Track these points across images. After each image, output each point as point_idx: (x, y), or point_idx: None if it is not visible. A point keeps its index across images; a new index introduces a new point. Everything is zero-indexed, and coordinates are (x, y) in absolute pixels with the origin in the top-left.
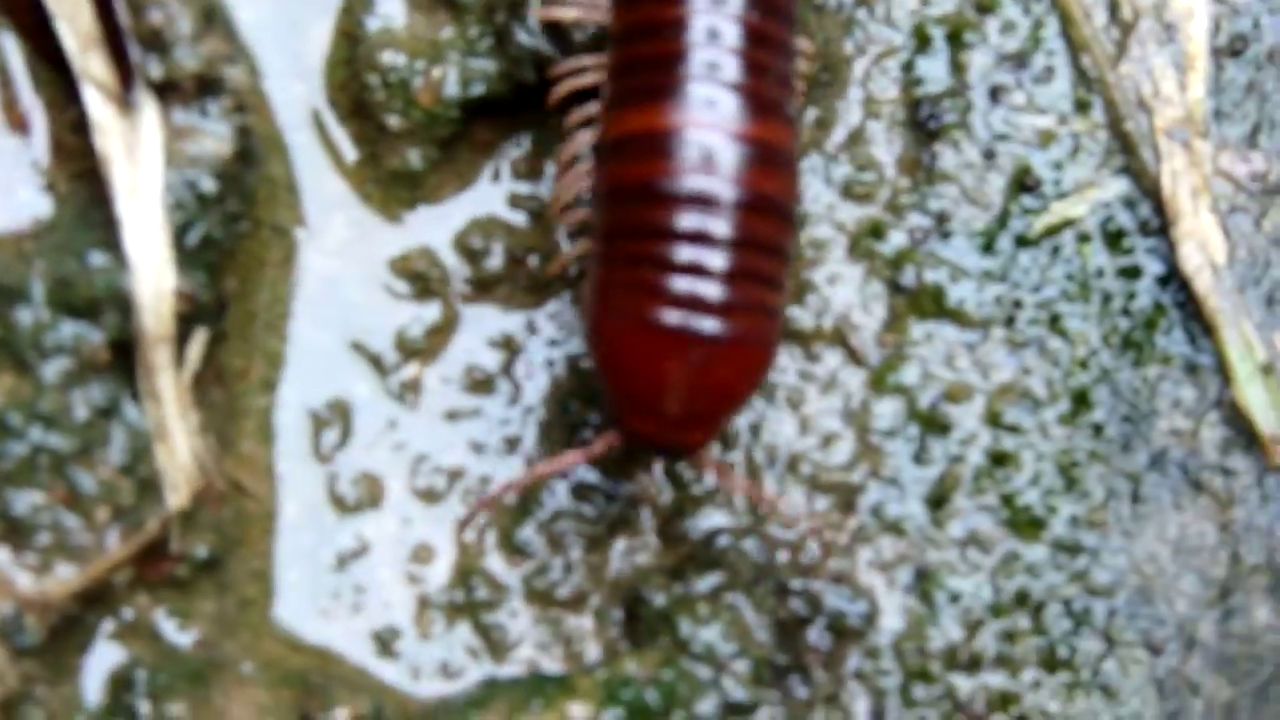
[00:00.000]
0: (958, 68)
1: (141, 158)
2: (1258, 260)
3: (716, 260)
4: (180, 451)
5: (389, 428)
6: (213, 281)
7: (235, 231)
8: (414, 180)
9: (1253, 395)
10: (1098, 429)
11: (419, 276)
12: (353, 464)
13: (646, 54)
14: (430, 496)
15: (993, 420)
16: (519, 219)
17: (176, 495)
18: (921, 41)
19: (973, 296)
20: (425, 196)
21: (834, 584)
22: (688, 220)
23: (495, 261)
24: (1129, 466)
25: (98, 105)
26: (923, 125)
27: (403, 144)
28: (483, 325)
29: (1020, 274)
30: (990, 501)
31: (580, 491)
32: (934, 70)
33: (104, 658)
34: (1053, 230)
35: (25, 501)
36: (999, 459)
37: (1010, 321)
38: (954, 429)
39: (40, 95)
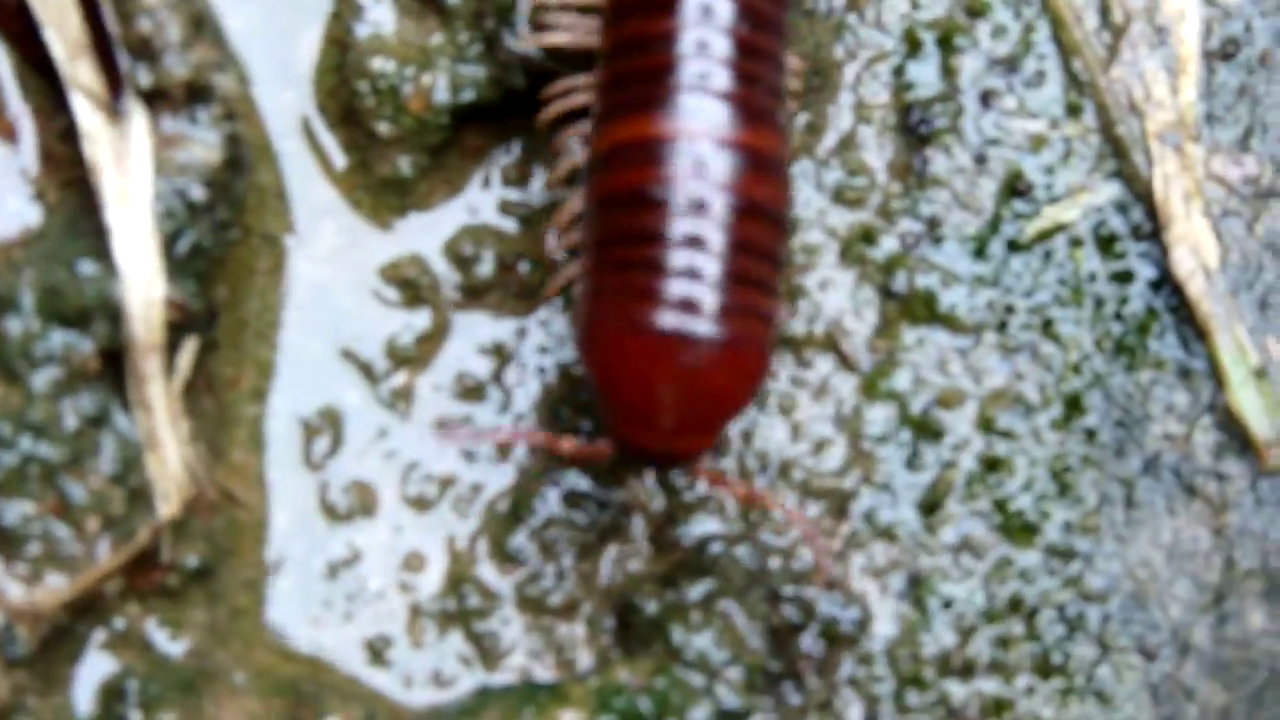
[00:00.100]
0: (948, 72)
1: (131, 166)
2: (1250, 264)
3: (708, 263)
4: (171, 460)
5: (380, 436)
6: (203, 290)
7: (225, 239)
8: (404, 187)
9: (1246, 400)
10: (1090, 434)
11: (409, 284)
12: (344, 472)
13: (637, 67)
14: (421, 504)
15: (985, 425)
16: (509, 225)
17: (167, 504)
18: (912, 46)
19: (964, 302)
20: (415, 203)
21: (826, 590)
22: (679, 224)
23: (486, 268)
24: (1122, 471)
25: (86, 113)
26: (914, 130)
27: (393, 151)
28: (473, 332)
29: (1012, 279)
30: (983, 507)
31: (572, 499)
32: (925, 75)
33: (95, 668)
34: (1045, 235)
35: (15, 511)
36: (991, 464)
37: (1002, 326)
38: (946, 434)
39: (29, 103)
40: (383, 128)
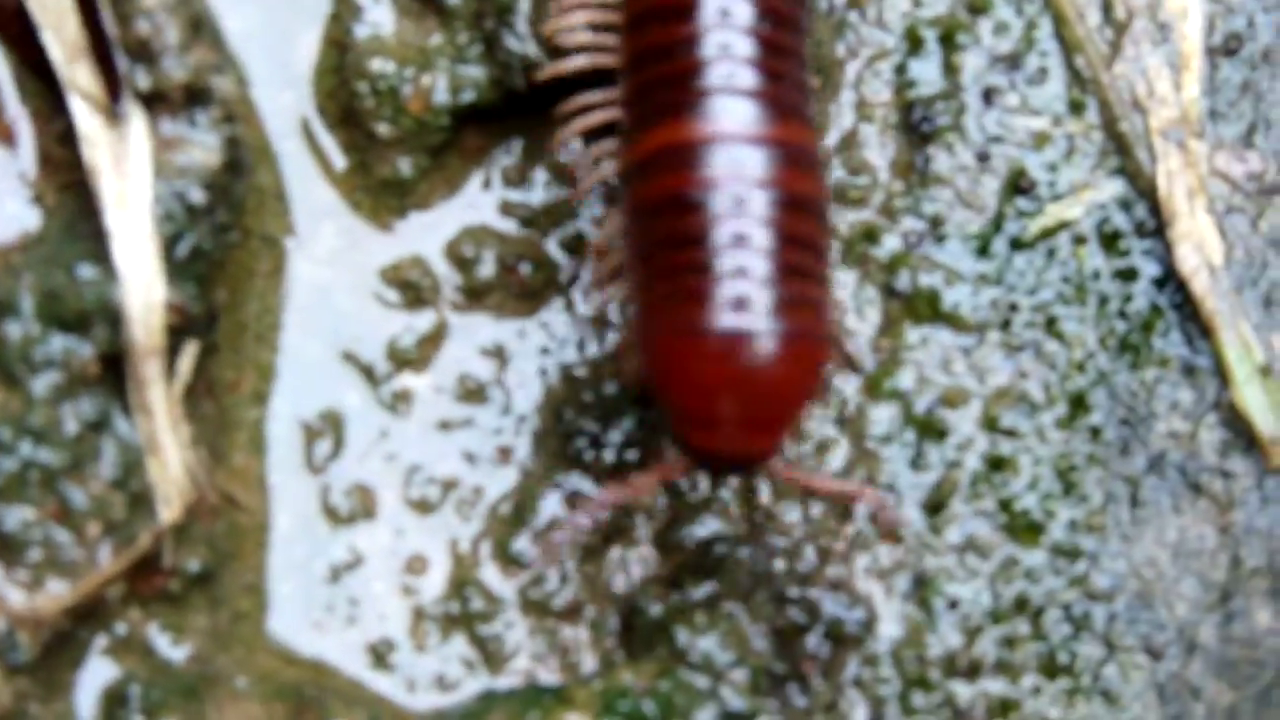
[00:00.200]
0: (951, 70)
1: (130, 169)
2: (1255, 261)
3: (758, 261)
4: (172, 465)
5: (381, 438)
6: (203, 293)
7: (225, 242)
8: (404, 188)
9: (1251, 397)
10: (1095, 432)
11: (410, 285)
12: (345, 475)
13: (661, 75)
14: (423, 507)
15: (990, 425)
16: (510, 226)
17: (168, 509)
18: (914, 44)
19: (968, 300)
20: (415, 204)
21: (832, 591)
22: (725, 225)
23: (486, 269)
24: (1127, 470)
25: (85, 116)
26: (916, 128)
27: (392, 152)
28: (474, 334)
29: (1016, 277)
30: (988, 507)
31: (575, 501)
32: (927, 73)
33: (97, 673)
34: (1048, 232)
35: (16, 517)
36: (996, 464)
37: (1006, 325)
38: (950, 434)
39: (27, 106)
40: (382, 129)
